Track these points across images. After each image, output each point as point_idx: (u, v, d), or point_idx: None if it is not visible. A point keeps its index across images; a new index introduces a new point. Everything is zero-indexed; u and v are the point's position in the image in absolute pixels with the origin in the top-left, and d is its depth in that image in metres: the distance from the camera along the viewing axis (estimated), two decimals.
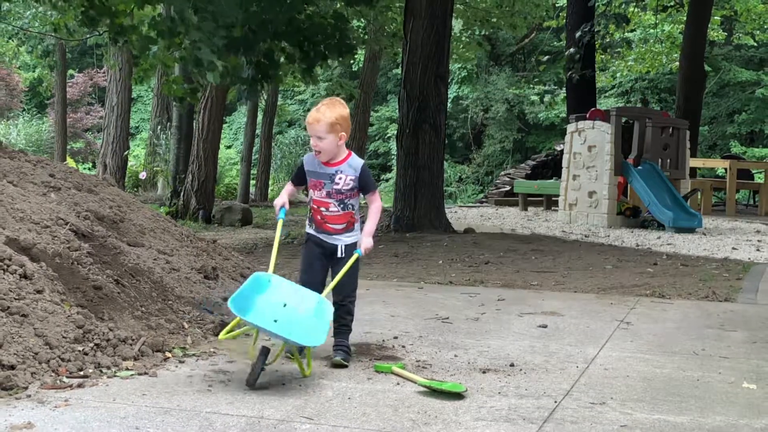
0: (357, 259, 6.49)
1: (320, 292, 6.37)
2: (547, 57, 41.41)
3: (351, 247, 6.56)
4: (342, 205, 6.53)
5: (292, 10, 14.94)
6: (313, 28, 15.60)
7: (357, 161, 6.53)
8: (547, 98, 28.81)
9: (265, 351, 5.83)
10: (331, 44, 15.81)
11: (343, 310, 6.60)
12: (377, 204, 6.60)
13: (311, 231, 6.64)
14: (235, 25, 14.05)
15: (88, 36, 25.81)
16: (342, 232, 6.57)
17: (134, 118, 47.54)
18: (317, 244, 6.62)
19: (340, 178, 6.47)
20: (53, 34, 27.41)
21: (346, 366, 6.35)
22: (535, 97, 45.12)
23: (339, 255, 6.56)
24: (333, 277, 6.52)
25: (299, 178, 6.69)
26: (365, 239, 6.51)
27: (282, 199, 6.62)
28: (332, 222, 6.56)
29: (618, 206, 19.71)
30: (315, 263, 6.61)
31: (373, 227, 6.57)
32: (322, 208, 6.55)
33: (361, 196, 6.58)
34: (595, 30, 26.35)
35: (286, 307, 6.08)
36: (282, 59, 16.18)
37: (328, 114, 6.35)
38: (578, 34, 25.65)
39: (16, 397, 5.30)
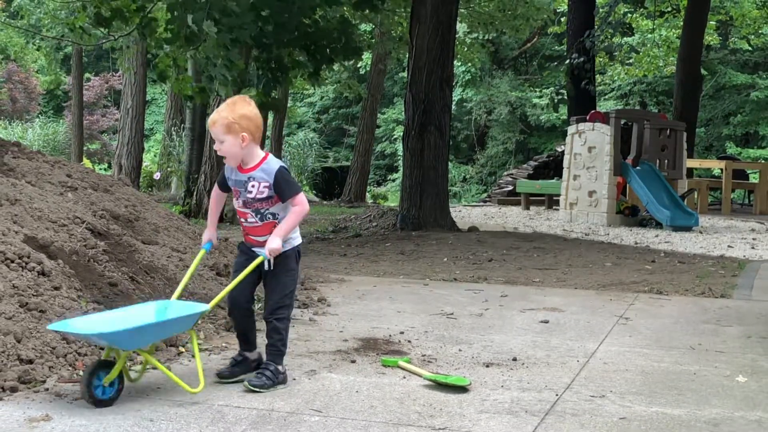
0: (284, 273, 5.76)
1: (249, 306, 5.90)
2: (554, 64, 41.45)
3: (279, 258, 5.72)
4: (259, 216, 5.75)
5: (301, 15, 14.95)
6: (319, 32, 15.61)
7: (272, 165, 5.71)
8: (556, 98, 28.74)
9: (98, 364, 5.24)
10: (336, 48, 15.81)
11: (269, 328, 5.81)
12: (298, 207, 5.67)
13: (242, 239, 6.00)
14: (250, 35, 14.03)
15: (103, 41, 25.81)
16: (265, 245, 5.70)
17: (149, 120, 47.62)
18: (245, 253, 5.91)
19: (253, 186, 5.70)
20: (69, 39, 27.43)
21: (255, 392, 5.53)
22: (537, 100, 45.18)
23: (267, 267, 5.74)
24: (265, 290, 5.88)
25: (222, 184, 5.96)
26: (272, 239, 5.63)
27: (209, 234, 6.02)
28: (254, 234, 5.82)
29: (617, 205, 19.69)
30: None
31: (287, 229, 5.67)
32: (242, 219, 5.84)
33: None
34: (597, 35, 26.30)
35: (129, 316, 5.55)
36: (290, 63, 16.20)
37: (225, 114, 5.65)
38: (587, 43, 25.57)
39: (34, 390, 5.31)
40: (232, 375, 5.79)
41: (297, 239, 5.87)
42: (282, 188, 5.67)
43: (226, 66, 13.77)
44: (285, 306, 5.80)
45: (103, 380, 5.17)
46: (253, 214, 5.75)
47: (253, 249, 5.83)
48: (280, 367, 5.72)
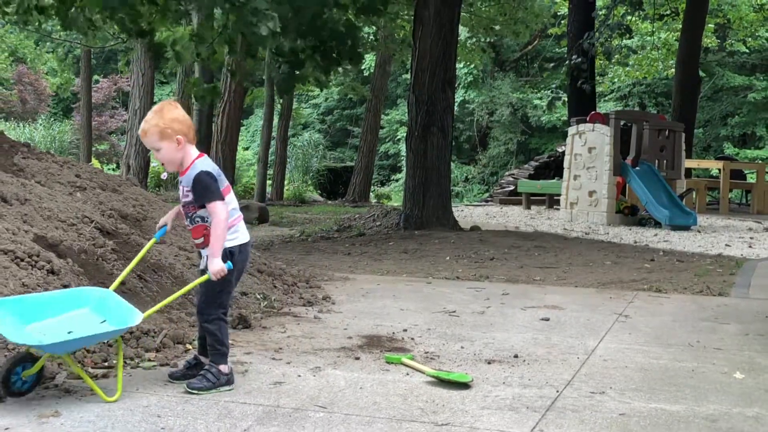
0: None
1: None
2: (552, 65, 41.48)
3: (209, 258, 5.52)
4: (189, 219, 5.61)
5: (310, 12, 14.96)
6: (329, 33, 15.64)
7: (195, 168, 5.51)
8: (556, 101, 28.76)
9: (22, 357, 5.19)
10: (343, 50, 15.83)
11: (203, 329, 5.68)
12: (215, 219, 5.45)
13: None
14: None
15: (113, 44, 25.85)
16: (203, 247, 5.62)
17: None
18: (200, 258, 5.82)
19: (183, 189, 5.56)
20: (79, 43, 27.49)
21: (193, 394, 5.35)
22: (538, 101, 45.21)
23: (200, 267, 5.71)
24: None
25: None
26: (210, 261, 5.44)
27: (164, 218, 5.85)
28: (193, 236, 5.70)
29: (617, 205, 19.69)
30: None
31: (216, 246, 5.45)
32: (185, 221, 5.74)
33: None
34: (597, 39, 26.30)
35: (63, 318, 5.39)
36: (305, 58, 16.23)
37: (155, 122, 5.46)
38: (585, 45, 25.57)
39: (44, 386, 5.31)
40: (183, 377, 5.60)
41: (232, 240, 5.62)
42: (197, 194, 5.49)
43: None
44: (214, 305, 5.60)
45: (22, 373, 5.12)
46: (187, 218, 5.64)
47: (199, 250, 5.74)
48: (223, 368, 5.53)
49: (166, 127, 5.45)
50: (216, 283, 5.53)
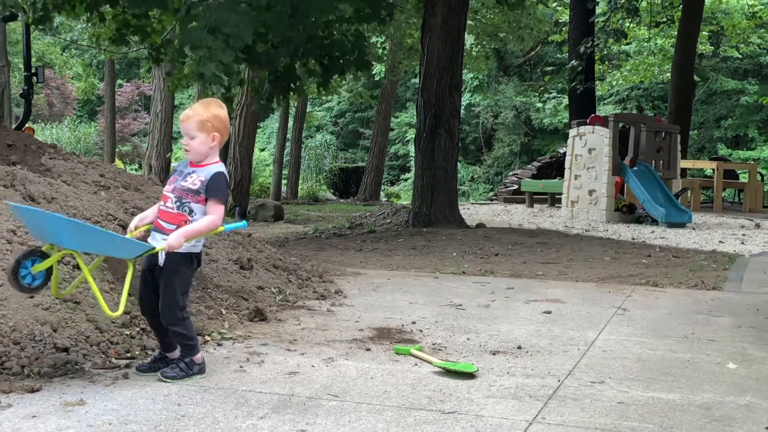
0: (173, 274, 5.39)
1: (156, 306, 5.47)
2: (550, 68, 41.44)
3: (173, 256, 5.37)
4: (179, 203, 5.41)
5: (313, 29, 14.91)
6: (333, 45, 15.58)
7: (215, 168, 5.49)
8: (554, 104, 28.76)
9: (30, 252, 5.21)
10: (349, 60, 15.77)
11: (170, 333, 5.52)
12: (210, 217, 5.40)
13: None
14: (250, 44, 13.95)
15: (134, 50, 25.84)
16: (165, 231, 5.41)
17: (177, 123, 47.72)
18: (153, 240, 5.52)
19: (190, 177, 5.46)
20: (104, 48, 27.49)
21: (166, 382, 5.32)
22: (540, 104, 45.19)
23: (159, 263, 5.40)
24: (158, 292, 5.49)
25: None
26: (176, 234, 5.33)
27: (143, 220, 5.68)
28: (163, 218, 5.44)
29: (615, 203, 19.66)
30: (146, 276, 5.56)
31: (194, 231, 5.37)
32: (161, 202, 5.51)
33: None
34: (596, 44, 26.28)
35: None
36: (303, 73, 16.17)
37: (200, 112, 5.48)
38: (581, 48, 25.55)
39: (69, 376, 5.31)
40: (149, 370, 5.51)
41: (196, 247, 5.52)
42: (209, 188, 5.42)
43: (217, 65, 13.60)
44: (175, 307, 5.42)
45: (31, 268, 5.14)
46: (174, 200, 5.44)
47: (154, 231, 5.50)
48: (196, 357, 5.49)
49: (208, 120, 5.47)
50: (178, 286, 5.43)
